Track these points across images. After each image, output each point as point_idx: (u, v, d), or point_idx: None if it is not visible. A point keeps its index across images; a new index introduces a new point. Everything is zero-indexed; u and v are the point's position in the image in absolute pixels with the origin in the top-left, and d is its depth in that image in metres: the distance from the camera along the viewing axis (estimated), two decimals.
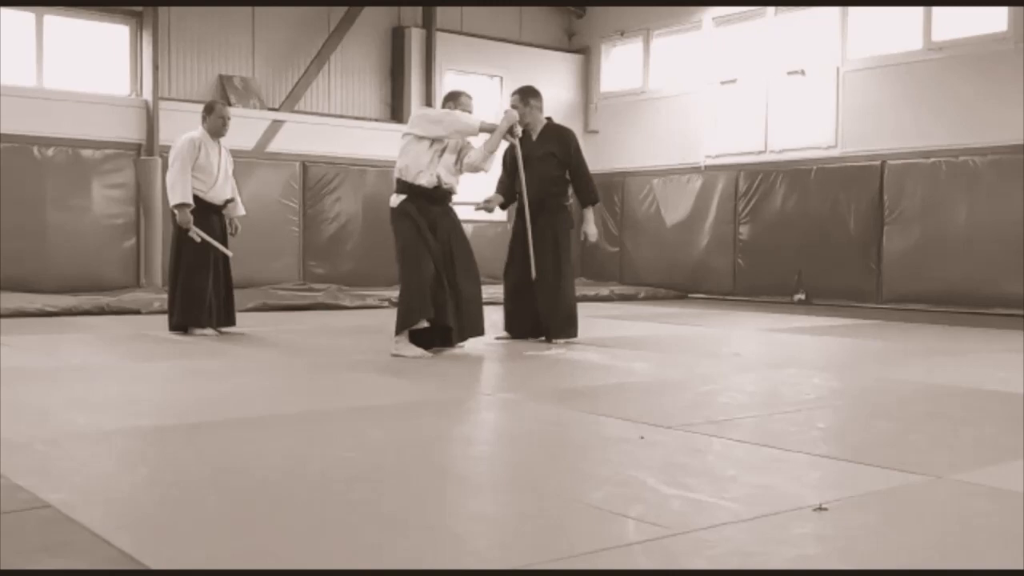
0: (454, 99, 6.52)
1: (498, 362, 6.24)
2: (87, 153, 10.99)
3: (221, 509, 2.66)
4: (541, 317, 7.02)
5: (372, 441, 3.66)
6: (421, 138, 6.31)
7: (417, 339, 6.26)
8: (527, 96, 7.05)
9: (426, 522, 2.55)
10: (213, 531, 2.46)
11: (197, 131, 7.38)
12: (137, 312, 9.25)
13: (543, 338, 7.05)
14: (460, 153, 6.48)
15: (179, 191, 7.19)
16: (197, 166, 7.26)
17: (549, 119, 7.18)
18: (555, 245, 6.98)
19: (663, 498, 2.77)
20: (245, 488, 2.89)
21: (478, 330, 6.54)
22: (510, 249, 7.25)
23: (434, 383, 5.15)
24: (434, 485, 2.97)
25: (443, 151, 6.36)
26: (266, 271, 11.79)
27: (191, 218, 7.20)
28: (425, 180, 6.31)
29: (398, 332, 6.21)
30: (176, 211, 7.24)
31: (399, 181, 6.41)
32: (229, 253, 7.50)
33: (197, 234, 7.22)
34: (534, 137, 7.06)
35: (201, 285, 7.26)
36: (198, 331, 7.27)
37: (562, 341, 6.94)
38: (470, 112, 6.50)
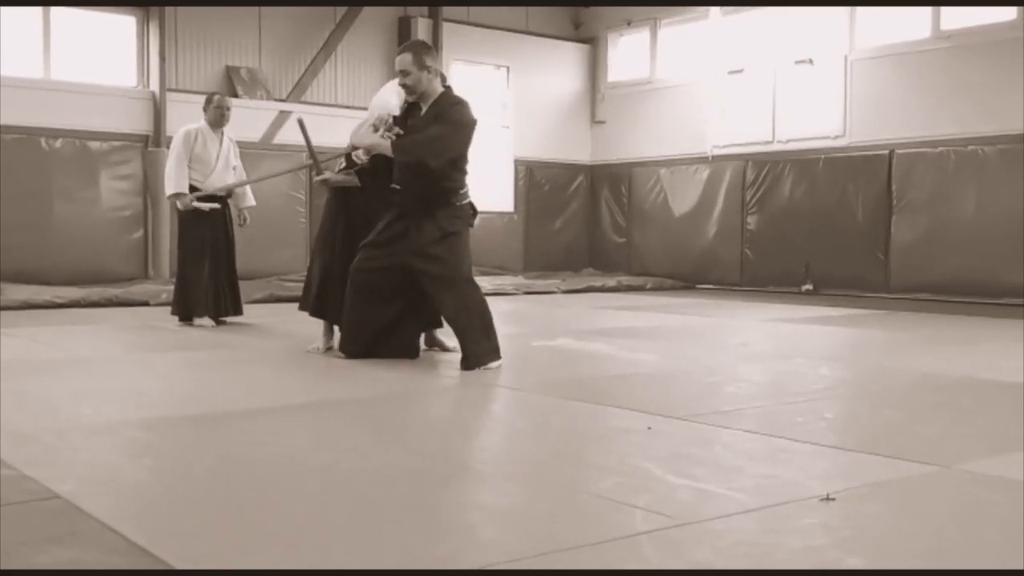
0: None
1: (503, 353, 6.23)
2: (94, 145, 11.00)
3: (227, 499, 2.67)
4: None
5: (377, 432, 3.67)
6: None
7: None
8: (422, 55, 5.30)
9: (433, 512, 2.56)
10: (220, 521, 2.46)
11: (197, 123, 7.49)
12: (145, 304, 9.27)
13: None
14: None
15: (173, 182, 7.38)
16: (194, 156, 7.39)
17: (448, 88, 5.49)
18: None
19: (670, 488, 2.77)
20: (251, 479, 2.90)
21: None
22: None
23: (438, 374, 5.16)
24: (440, 476, 2.98)
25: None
26: (273, 262, 11.80)
27: (189, 200, 7.35)
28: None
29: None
30: (172, 200, 7.47)
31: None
32: (221, 191, 7.47)
33: (201, 205, 7.37)
34: (424, 109, 5.40)
35: (195, 275, 7.38)
36: (197, 321, 7.35)
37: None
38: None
